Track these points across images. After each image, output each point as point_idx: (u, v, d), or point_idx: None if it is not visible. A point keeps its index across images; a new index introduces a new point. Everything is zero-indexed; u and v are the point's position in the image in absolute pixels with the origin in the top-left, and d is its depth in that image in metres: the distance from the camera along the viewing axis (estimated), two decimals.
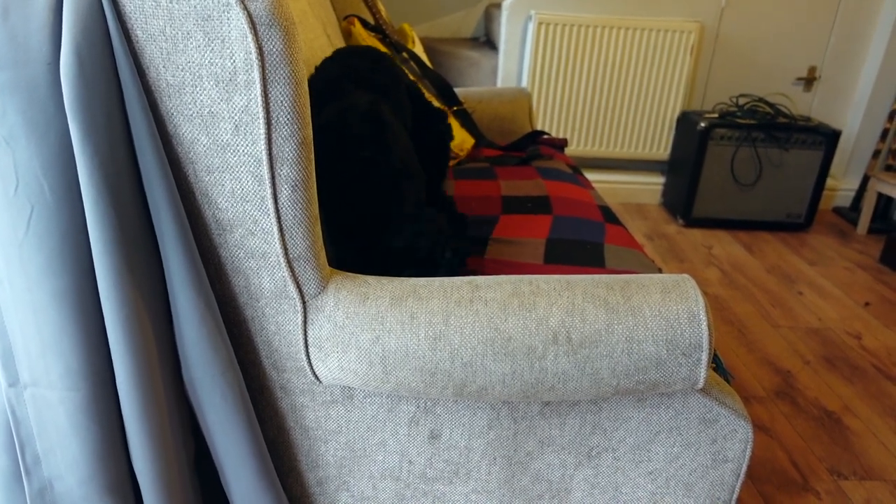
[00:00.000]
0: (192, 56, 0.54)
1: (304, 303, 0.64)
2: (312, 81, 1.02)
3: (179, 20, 0.54)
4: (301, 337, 0.65)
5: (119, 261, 0.56)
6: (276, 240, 0.61)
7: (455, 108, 1.58)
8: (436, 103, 1.53)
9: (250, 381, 0.69)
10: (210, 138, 0.57)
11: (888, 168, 2.52)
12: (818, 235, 2.45)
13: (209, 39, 0.54)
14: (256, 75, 0.55)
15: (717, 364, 0.84)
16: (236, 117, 0.56)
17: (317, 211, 0.63)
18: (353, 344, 0.64)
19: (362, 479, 0.75)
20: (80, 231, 0.57)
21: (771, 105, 2.43)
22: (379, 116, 0.91)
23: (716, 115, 2.35)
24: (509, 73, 2.43)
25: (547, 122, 2.50)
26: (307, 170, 0.60)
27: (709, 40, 2.47)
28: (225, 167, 0.58)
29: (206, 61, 0.55)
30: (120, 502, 0.64)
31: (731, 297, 1.93)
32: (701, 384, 0.66)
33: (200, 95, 0.56)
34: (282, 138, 0.57)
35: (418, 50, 1.71)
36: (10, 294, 0.58)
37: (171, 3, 0.53)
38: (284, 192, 0.59)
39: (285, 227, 0.61)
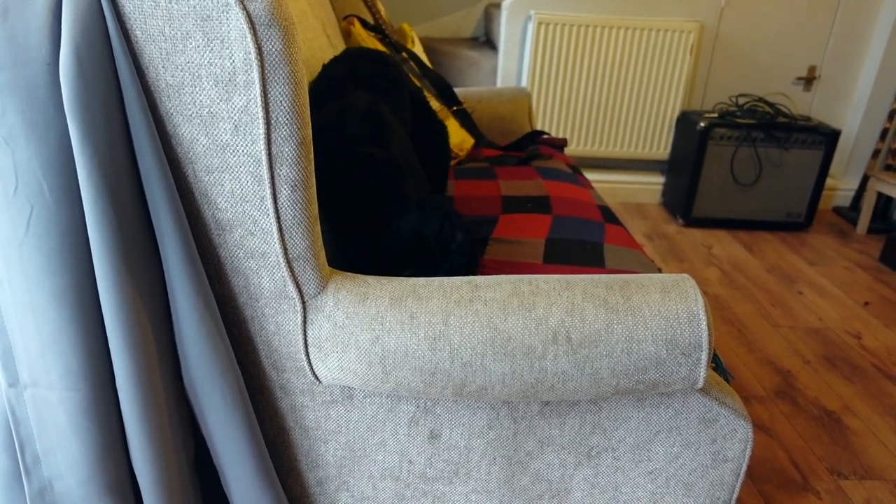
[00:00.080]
0: (192, 56, 0.54)
1: (303, 303, 0.64)
2: (317, 81, 1.02)
3: (178, 20, 0.54)
4: (301, 337, 0.65)
5: (118, 261, 0.56)
6: (275, 240, 0.61)
7: (455, 108, 1.58)
8: (435, 103, 1.53)
9: (250, 381, 0.69)
10: (209, 138, 0.57)
11: (888, 168, 2.52)
12: (818, 235, 2.45)
13: (208, 40, 0.54)
14: (256, 75, 0.55)
15: (716, 364, 0.84)
16: (236, 117, 0.56)
17: (316, 211, 0.63)
18: (352, 344, 0.64)
19: (362, 479, 0.75)
20: (80, 231, 0.57)
21: (771, 105, 2.43)
22: (379, 116, 0.91)
23: (716, 115, 2.35)
24: (509, 72, 2.43)
25: (547, 121, 2.50)
26: (307, 170, 0.60)
27: (708, 40, 2.47)
28: (224, 167, 0.58)
29: (206, 61, 0.55)
30: (120, 502, 0.64)
31: (731, 296, 1.93)
32: (700, 384, 0.66)
33: (200, 95, 0.56)
34: (281, 138, 0.57)
35: (418, 50, 1.71)
36: (9, 294, 0.58)
37: (170, 3, 0.53)
38: (284, 192, 0.59)
39: (285, 227, 0.61)
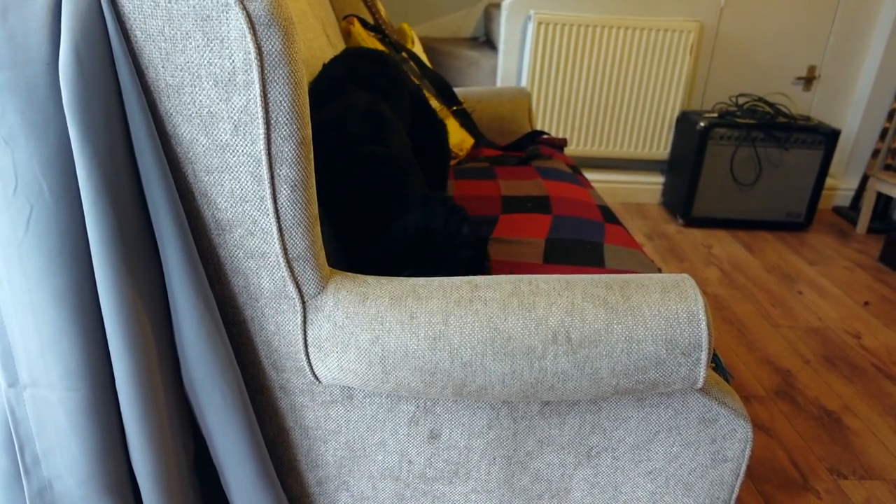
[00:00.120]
0: (191, 56, 0.54)
1: (303, 303, 0.64)
2: (317, 81, 1.02)
3: (178, 20, 0.53)
4: (300, 337, 0.65)
5: (118, 261, 0.56)
6: (275, 240, 0.61)
7: (455, 108, 1.58)
8: (435, 103, 1.53)
9: (250, 382, 0.69)
10: (209, 138, 0.57)
11: (887, 167, 2.52)
12: (818, 235, 2.45)
13: (208, 39, 0.54)
14: (255, 75, 0.55)
15: (716, 363, 0.84)
16: (235, 117, 0.56)
17: (316, 211, 0.63)
18: (352, 344, 0.64)
19: (362, 479, 0.75)
20: (80, 231, 0.57)
21: (770, 104, 2.43)
22: (379, 115, 0.91)
23: (715, 115, 2.35)
24: (509, 72, 2.43)
25: (546, 121, 2.50)
26: (306, 170, 0.60)
27: (708, 40, 2.47)
28: (224, 167, 0.58)
29: (205, 61, 0.55)
30: (119, 503, 0.64)
31: (731, 296, 1.93)
32: (700, 384, 0.66)
33: (199, 95, 0.56)
34: (281, 138, 0.57)
35: (418, 50, 1.71)
36: (9, 294, 0.58)
37: (169, 3, 0.53)
38: (284, 192, 0.59)
39: (285, 227, 0.61)
